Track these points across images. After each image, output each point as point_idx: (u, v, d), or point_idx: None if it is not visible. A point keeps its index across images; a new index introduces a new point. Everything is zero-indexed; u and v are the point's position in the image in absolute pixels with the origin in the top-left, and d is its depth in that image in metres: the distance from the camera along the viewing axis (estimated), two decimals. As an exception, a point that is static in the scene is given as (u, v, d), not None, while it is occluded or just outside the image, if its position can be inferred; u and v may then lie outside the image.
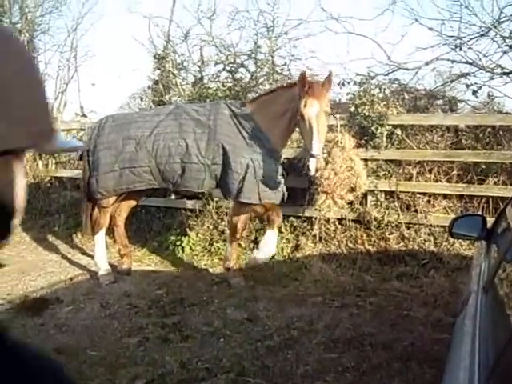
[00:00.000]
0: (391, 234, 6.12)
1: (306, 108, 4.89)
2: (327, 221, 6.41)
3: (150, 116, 5.69)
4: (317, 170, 4.98)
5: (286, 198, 5.52)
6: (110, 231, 6.62)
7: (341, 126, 6.24)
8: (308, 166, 4.88)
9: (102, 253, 6.11)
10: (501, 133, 6.20)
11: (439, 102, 7.42)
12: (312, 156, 4.79)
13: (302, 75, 5.05)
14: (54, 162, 9.61)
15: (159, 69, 8.87)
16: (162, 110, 5.91)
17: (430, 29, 7.29)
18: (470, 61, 7.09)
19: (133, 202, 6.36)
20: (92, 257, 6.48)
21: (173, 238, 7.05)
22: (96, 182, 5.67)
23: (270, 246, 5.69)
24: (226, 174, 5.29)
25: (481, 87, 6.92)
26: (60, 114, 10.52)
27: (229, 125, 5.36)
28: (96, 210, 6.03)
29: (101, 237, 6.11)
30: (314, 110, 4.85)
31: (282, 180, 5.48)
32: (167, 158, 5.43)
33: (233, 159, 5.23)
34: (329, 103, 5.08)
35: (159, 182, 5.63)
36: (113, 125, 5.71)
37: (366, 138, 6.28)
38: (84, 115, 9.72)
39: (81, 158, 6.02)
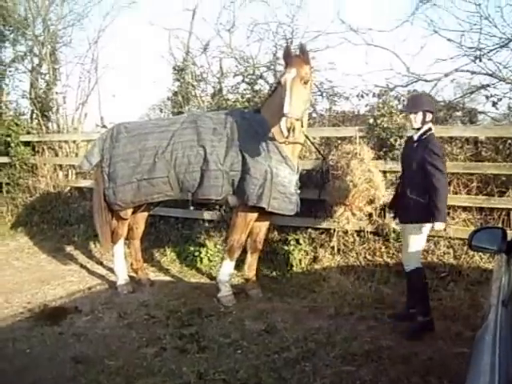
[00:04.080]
0: (410, 246, 6.07)
1: (284, 75, 4.99)
2: (345, 233, 6.38)
3: (166, 126, 5.71)
4: (293, 130, 4.79)
5: (298, 211, 5.51)
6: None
7: (359, 137, 6.23)
8: (280, 126, 4.85)
9: (120, 263, 6.16)
10: (522, 145, 6.14)
11: (459, 113, 7.37)
12: (283, 115, 4.76)
13: (287, 50, 5.14)
14: (74, 172, 9.70)
15: (178, 80, 8.93)
16: (177, 119, 5.92)
17: (450, 40, 7.27)
18: (490, 72, 7.05)
19: (146, 213, 6.42)
20: (110, 267, 6.53)
21: (191, 248, 7.07)
22: (113, 193, 5.70)
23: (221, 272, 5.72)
24: (245, 180, 5.30)
25: (501, 99, 6.87)
26: (81, 125, 10.62)
27: (245, 132, 5.38)
28: (114, 220, 6.07)
29: (120, 247, 6.16)
30: (290, 75, 4.91)
31: (298, 191, 5.47)
32: (187, 166, 5.45)
33: (252, 165, 5.23)
34: (308, 72, 5.03)
35: (176, 192, 5.64)
36: (128, 136, 5.72)
37: (384, 149, 6.25)
38: (104, 126, 9.79)
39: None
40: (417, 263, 4.69)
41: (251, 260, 5.90)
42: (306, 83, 4.99)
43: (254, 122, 5.44)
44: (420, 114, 4.57)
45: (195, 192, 5.56)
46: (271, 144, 5.27)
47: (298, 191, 5.47)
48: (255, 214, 5.49)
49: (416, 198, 4.53)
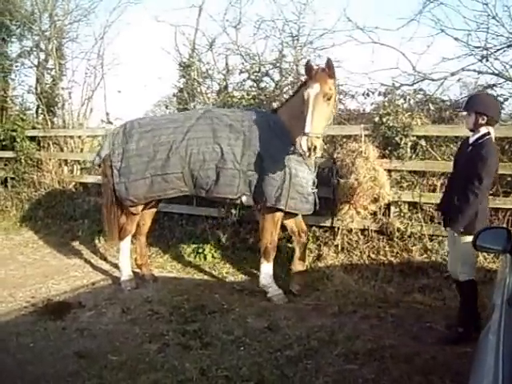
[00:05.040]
0: (414, 245, 6.06)
1: (307, 90, 4.92)
2: (350, 231, 6.37)
3: (181, 121, 5.67)
4: (314, 149, 4.76)
5: (317, 209, 5.50)
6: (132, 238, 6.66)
7: (365, 136, 6.21)
8: (301, 144, 4.82)
9: (126, 259, 6.16)
10: (527, 145, 6.11)
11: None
12: (304, 134, 4.76)
13: (308, 64, 5.08)
14: (79, 167, 9.72)
15: (184, 77, 8.93)
16: (192, 114, 5.89)
17: (456, 39, 7.25)
18: (497, 72, 7.03)
19: (154, 209, 6.38)
20: (114, 262, 6.54)
21: (195, 245, 7.08)
22: (125, 189, 5.66)
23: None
24: (263, 180, 5.29)
25: (507, 99, 6.85)
26: (86, 121, 10.63)
27: (264, 132, 5.36)
28: (123, 216, 6.06)
29: (126, 243, 6.15)
30: (313, 90, 4.87)
31: (315, 190, 5.44)
32: (201, 163, 5.42)
33: (270, 166, 5.23)
34: (332, 87, 4.99)
35: (190, 189, 5.62)
36: (141, 131, 5.68)
37: (390, 148, 6.23)
38: (109, 122, 9.79)
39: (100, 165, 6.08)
40: (470, 274, 4.41)
41: (298, 253, 5.83)
42: (329, 99, 4.94)
43: (272, 122, 5.43)
44: (473, 115, 4.31)
45: (209, 190, 5.54)
46: (290, 147, 5.23)
47: (316, 190, 5.45)
48: (281, 213, 5.47)
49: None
